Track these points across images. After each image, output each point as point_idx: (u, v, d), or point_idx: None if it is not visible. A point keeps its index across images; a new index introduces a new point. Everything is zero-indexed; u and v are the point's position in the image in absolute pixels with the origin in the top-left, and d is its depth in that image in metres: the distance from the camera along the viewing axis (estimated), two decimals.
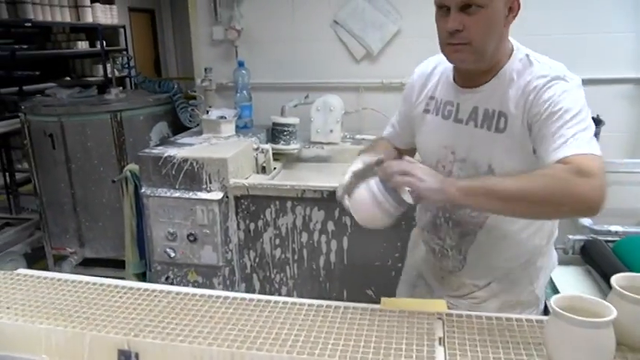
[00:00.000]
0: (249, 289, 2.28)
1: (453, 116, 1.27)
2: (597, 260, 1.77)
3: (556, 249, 1.60)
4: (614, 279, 0.98)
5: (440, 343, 1.02)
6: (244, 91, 2.70)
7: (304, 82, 2.86)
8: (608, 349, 0.89)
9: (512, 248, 1.30)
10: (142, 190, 2.17)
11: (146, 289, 1.25)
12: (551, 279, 1.63)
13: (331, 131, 2.67)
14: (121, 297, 1.22)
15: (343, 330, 1.06)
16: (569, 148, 1.03)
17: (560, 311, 0.89)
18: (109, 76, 5.54)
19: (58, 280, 1.31)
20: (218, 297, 1.21)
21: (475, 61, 1.16)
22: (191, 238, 2.14)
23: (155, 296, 1.22)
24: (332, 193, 2.08)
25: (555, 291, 1.70)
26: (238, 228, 2.19)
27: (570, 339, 0.89)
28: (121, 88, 3.55)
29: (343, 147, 2.65)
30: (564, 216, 1.32)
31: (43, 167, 3.07)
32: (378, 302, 1.18)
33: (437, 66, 1.35)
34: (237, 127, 2.59)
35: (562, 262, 1.76)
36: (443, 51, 1.19)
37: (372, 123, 2.77)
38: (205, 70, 2.91)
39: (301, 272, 2.20)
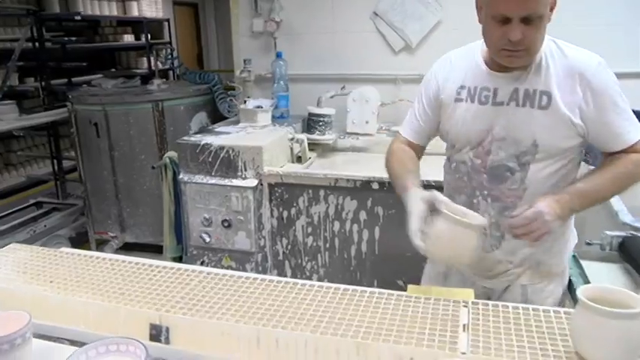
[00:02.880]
0: (281, 276, 2.31)
1: (490, 100, 1.32)
2: (637, 258, 1.71)
3: (591, 244, 1.56)
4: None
5: (464, 330, 1.02)
6: (281, 82, 2.73)
7: (341, 74, 2.87)
8: (637, 341, 0.87)
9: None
10: (180, 177, 2.23)
11: (179, 269, 1.30)
12: (585, 275, 1.59)
13: (367, 122, 2.67)
14: (155, 275, 1.27)
15: (367, 313, 1.07)
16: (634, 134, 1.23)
17: (588, 302, 0.88)
18: (153, 68, 5.71)
19: (97, 258, 1.37)
20: (247, 278, 1.25)
21: (527, 61, 1.25)
22: (225, 224, 2.19)
23: (187, 275, 1.26)
24: (365, 183, 2.10)
25: None
26: (272, 215, 2.23)
27: (597, 330, 0.87)
28: (163, 79, 3.65)
29: (379, 138, 2.65)
30: None
31: (88, 155, 3.20)
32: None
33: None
34: (273, 117, 2.63)
35: (598, 259, 1.71)
36: (494, 54, 1.26)
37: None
38: (245, 61, 2.96)
39: (332, 261, 2.22)
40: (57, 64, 4.17)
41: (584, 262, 1.64)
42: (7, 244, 1.49)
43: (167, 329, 1.09)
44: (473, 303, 1.11)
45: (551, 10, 1.20)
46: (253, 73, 2.95)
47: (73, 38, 4.71)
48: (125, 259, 1.36)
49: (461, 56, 1.40)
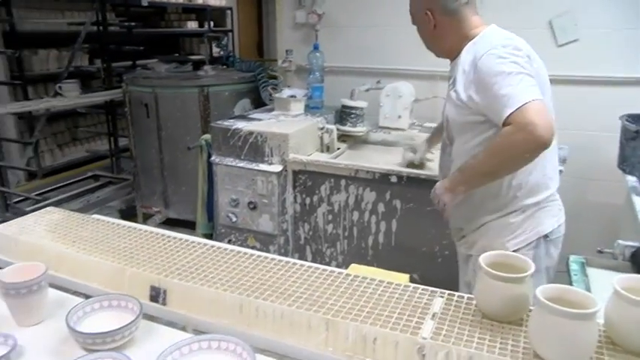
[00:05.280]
0: (303, 260, 2.41)
1: None
2: None
3: (602, 252, 1.55)
4: (482, 258, 1.08)
5: (432, 318, 1.07)
6: (317, 73, 2.81)
7: (378, 68, 2.91)
8: (590, 341, 0.90)
9: (478, 199, 1.57)
10: (212, 158, 2.37)
11: (186, 240, 1.42)
12: (588, 282, 1.57)
13: (399, 117, 2.70)
14: (164, 244, 1.39)
15: (345, 294, 1.14)
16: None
17: (545, 301, 0.91)
18: (214, 55, 5.94)
19: (117, 225, 1.51)
20: (245, 254, 1.34)
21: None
22: (251, 206, 2.30)
23: (193, 247, 1.38)
24: (383, 176, 2.15)
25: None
26: (295, 201, 2.32)
27: (552, 329, 0.91)
28: (214, 66, 3.82)
29: (410, 133, 2.68)
30: (527, 161, 1.42)
31: (138, 134, 3.41)
32: None
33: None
34: (307, 107, 2.72)
35: (610, 268, 1.68)
36: None
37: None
38: (286, 51, 3.06)
39: (350, 249, 2.29)
40: (117, 47, 4.43)
41: (592, 270, 1.62)
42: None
43: (165, 291, 1.21)
44: (449, 294, 1.16)
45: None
46: (294, 63, 3.05)
47: (133, 23, 4.96)
48: (141, 228, 1.50)
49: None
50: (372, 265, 2.28)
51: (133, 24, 4.92)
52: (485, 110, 1.44)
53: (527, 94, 1.35)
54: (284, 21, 3.15)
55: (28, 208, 3.36)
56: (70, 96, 3.51)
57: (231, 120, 2.48)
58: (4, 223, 1.55)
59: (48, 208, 1.66)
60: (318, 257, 2.37)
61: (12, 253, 1.44)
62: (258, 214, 2.32)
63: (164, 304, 1.21)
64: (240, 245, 2.44)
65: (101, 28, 4.17)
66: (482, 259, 1.08)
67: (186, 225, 3.36)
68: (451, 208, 1.58)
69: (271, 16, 9.07)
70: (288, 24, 3.14)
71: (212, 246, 1.39)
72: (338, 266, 2.36)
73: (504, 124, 1.36)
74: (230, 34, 7.27)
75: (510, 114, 1.33)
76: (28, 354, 1.08)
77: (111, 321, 1.14)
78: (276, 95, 2.69)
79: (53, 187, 4.06)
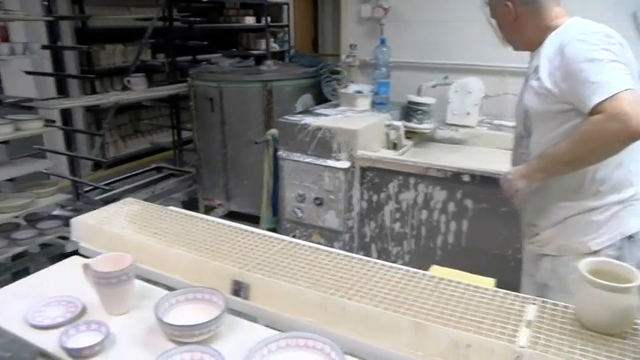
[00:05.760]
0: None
1: None
2: None
3: None
4: (581, 264, 1.04)
5: (527, 326, 1.02)
6: (383, 68, 2.76)
7: (445, 63, 2.83)
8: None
9: (557, 192, 1.50)
10: (279, 153, 2.37)
11: (264, 235, 1.42)
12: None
13: (468, 114, 2.63)
14: (242, 238, 1.40)
15: (432, 297, 1.11)
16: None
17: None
18: (271, 50, 6.00)
19: (195, 217, 1.53)
20: (324, 250, 1.33)
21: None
22: (317, 202, 2.29)
23: (271, 242, 1.38)
24: (455, 175, 2.09)
25: None
26: (362, 198, 2.29)
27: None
28: (275, 61, 3.84)
29: (479, 131, 2.60)
30: (615, 151, 1.35)
31: (203, 127, 3.47)
32: None
33: None
34: (373, 102, 2.68)
35: None
36: None
37: (513, 109, 2.66)
38: (351, 46, 3.03)
39: (418, 249, 2.24)
40: (182, 42, 4.53)
41: None
42: None
43: (247, 286, 1.21)
44: (543, 301, 1.10)
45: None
46: (358, 58, 3.02)
47: (199, 18, 5.07)
48: (219, 222, 1.51)
49: None
50: (440, 266, 2.24)
51: (198, 19, 5.02)
52: (570, 98, 1.38)
53: (620, 82, 1.29)
54: (349, 15, 3.11)
55: (97, 197, 3.49)
56: (138, 89, 3.62)
57: (299, 115, 2.48)
58: (88, 213, 1.60)
59: (126, 199, 1.70)
60: (384, 255, 2.34)
61: (96, 241, 1.49)
62: (324, 210, 2.30)
63: (246, 298, 1.21)
64: (305, 241, 2.44)
65: (167, 23, 4.27)
66: (583, 265, 1.02)
67: (247, 219, 3.40)
68: (524, 196, 1.52)
69: (327, 12, 9.10)
70: (353, 18, 3.11)
71: (290, 242, 1.38)
72: (404, 265, 2.32)
73: (593, 112, 1.30)
74: (286, 29, 7.31)
75: (601, 102, 1.27)
76: (119, 342, 1.10)
77: (195, 313, 1.15)
78: (342, 91, 2.67)
79: (117, 178, 4.20)
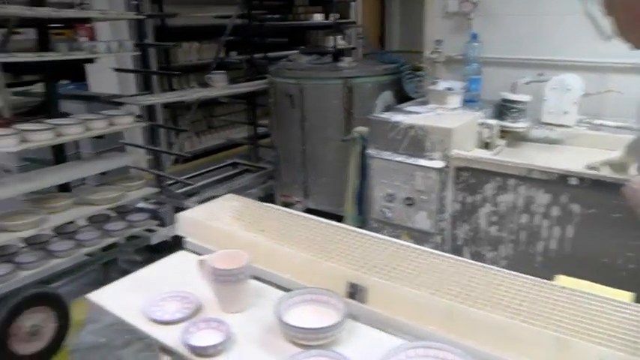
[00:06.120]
0: None
1: None
2: None
3: None
4: None
5: None
6: (474, 64, 2.65)
7: (539, 59, 2.68)
8: None
9: None
10: (368, 151, 2.32)
11: (374, 236, 1.37)
12: None
13: (565, 113, 2.47)
14: (352, 239, 1.36)
15: (569, 310, 1.02)
16: None
17: None
18: (339, 47, 5.97)
19: (298, 216, 1.52)
20: (439, 255, 1.27)
21: None
22: (408, 202, 2.23)
23: (382, 244, 1.33)
24: (562, 177, 1.96)
25: None
26: (455, 199, 2.21)
27: None
28: (351, 57, 3.80)
29: (577, 131, 2.44)
30: None
31: (281, 124, 3.48)
32: None
33: None
34: (463, 100, 2.58)
35: None
36: None
37: (615, 108, 2.48)
38: (436, 42, 2.93)
39: (516, 254, 2.13)
40: (260, 40, 4.58)
41: None
42: (208, 196, 1.72)
43: (364, 289, 1.16)
44: None
45: None
46: (443, 54, 2.91)
47: (275, 16, 5.10)
48: (322, 221, 1.49)
49: None
50: (541, 273, 2.12)
51: (276, 16, 5.05)
52: None
53: None
54: (433, 10, 3.01)
55: (179, 191, 3.58)
56: (218, 86, 3.68)
57: (388, 113, 2.42)
58: (192, 209, 1.61)
59: (228, 195, 1.71)
60: (478, 260, 2.22)
61: (202, 237, 1.49)
62: (415, 211, 2.23)
63: (363, 302, 1.17)
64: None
65: (246, 20, 4.32)
66: None
67: (324, 216, 3.34)
68: None
69: (395, 8, 8.96)
70: (438, 13, 3.00)
71: (401, 245, 1.33)
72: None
73: None
74: (357, 25, 7.25)
75: None
76: (239, 341, 1.09)
77: (309, 315, 1.13)
78: (432, 87, 2.58)
79: (195, 173, 4.29)
